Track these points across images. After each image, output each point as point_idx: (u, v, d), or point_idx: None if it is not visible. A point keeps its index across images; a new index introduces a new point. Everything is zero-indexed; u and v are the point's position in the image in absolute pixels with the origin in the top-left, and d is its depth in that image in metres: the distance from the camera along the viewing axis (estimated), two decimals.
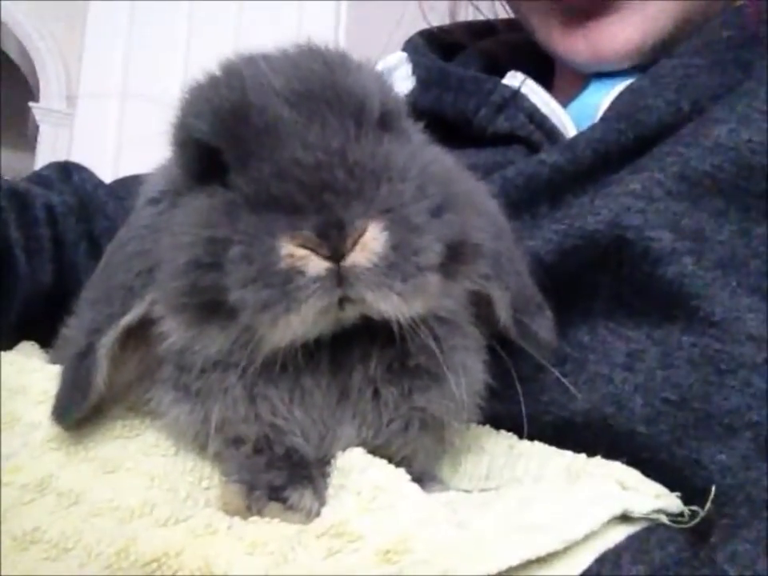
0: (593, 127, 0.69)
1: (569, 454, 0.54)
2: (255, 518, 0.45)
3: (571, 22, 0.79)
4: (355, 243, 0.42)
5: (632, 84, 0.71)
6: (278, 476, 0.47)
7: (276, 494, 0.47)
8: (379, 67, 0.99)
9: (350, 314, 0.45)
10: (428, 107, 0.88)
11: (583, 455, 0.53)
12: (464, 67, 0.93)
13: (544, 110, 0.78)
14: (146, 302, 0.48)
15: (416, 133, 0.56)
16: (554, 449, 0.54)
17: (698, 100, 0.66)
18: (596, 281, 0.61)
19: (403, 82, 0.96)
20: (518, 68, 0.90)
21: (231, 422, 0.49)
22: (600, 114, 0.72)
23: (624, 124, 0.67)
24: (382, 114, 0.49)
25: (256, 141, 0.45)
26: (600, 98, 0.75)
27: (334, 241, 0.41)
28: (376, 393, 0.48)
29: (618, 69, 0.79)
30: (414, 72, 0.96)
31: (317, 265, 0.42)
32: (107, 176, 0.92)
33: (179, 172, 0.50)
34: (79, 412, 0.49)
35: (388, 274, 0.42)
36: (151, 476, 0.49)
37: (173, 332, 0.47)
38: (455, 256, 0.47)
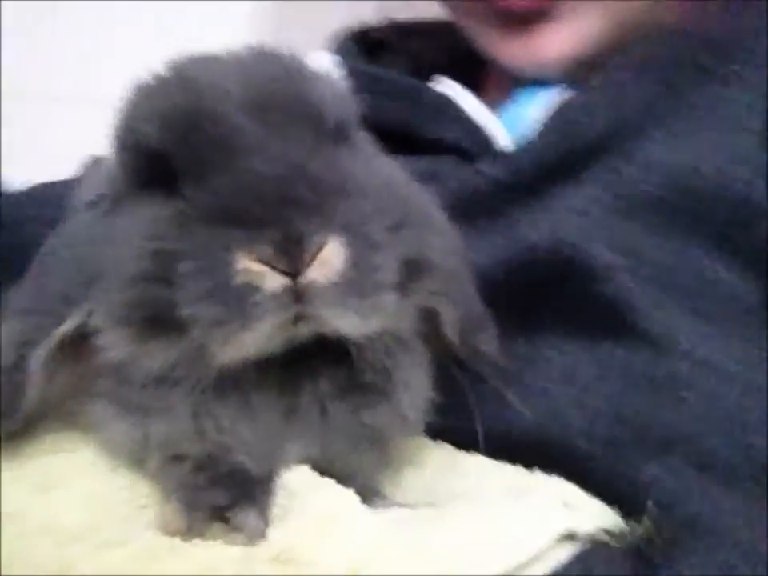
0: (533, 140, 0.70)
1: (509, 468, 0.54)
2: (197, 541, 0.43)
3: (510, 27, 0.80)
4: (313, 259, 0.41)
5: (570, 98, 0.72)
6: (221, 495, 0.46)
7: (219, 514, 0.45)
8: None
9: (304, 330, 0.43)
10: (369, 116, 0.88)
11: (523, 470, 0.53)
12: (392, 70, 0.93)
13: (476, 118, 0.78)
14: (83, 312, 0.46)
15: (366, 143, 0.56)
16: (494, 463, 0.55)
17: (634, 117, 0.68)
18: (535, 294, 0.62)
19: None
20: (445, 72, 0.91)
21: (173, 440, 0.47)
22: (532, 124, 0.72)
23: (563, 138, 0.68)
24: (336, 124, 0.49)
25: (210, 149, 0.43)
26: (531, 108, 0.76)
27: (292, 256, 0.40)
28: (324, 410, 0.47)
29: (553, 76, 0.79)
30: (346, 77, 0.95)
31: (273, 280, 0.40)
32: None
33: (121, 176, 0.48)
34: (10, 427, 0.47)
35: (346, 292, 0.41)
36: (88, 495, 0.47)
37: (114, 345, 0.45)
38: (409, 273, 0.46)
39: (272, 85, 0.46)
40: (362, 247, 0.42)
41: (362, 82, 0.91)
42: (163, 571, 0.41)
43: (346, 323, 0.42)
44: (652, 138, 0.65)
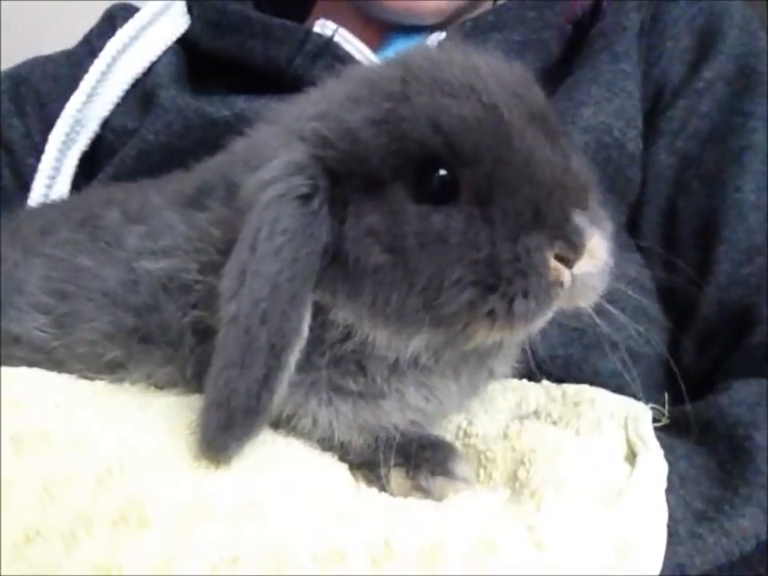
0: None
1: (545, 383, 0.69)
2: (451, 495, 0.51)
3: None
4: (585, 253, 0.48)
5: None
6: (432, 453, 0.54)
7: (440, 469, 0.53)
8: (151, 9, 0.93)
9: None
10: (223, 52, 0.89)
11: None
12: (248, 8, 0.93)
13: (359, 57, 0.85)
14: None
15: None
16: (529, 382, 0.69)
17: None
18: None
19: (176, 20, 0.93)
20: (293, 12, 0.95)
21: (385, 419, 0.53)
22: None
23: None
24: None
25: (499, 160, 0.47)
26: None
27: (577, 253, 0.48)
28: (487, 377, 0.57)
29: (425, 24, 0.89)
30: (191, 11, 0.93)
31: (568, 275, 0.48)
32: None
33: (365, 179, 0.49)
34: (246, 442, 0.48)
35: (602, 279, 0.50)
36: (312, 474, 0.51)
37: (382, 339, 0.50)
38: None
39: (529, 94, 0.50)
40: (608, 236, 0.50)
41: (223, 18, 0.91)
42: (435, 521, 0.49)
43: (588, 303, 0.51)
44: (579, 102, 0.80)
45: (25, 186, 0.90)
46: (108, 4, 1.05)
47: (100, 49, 0.94)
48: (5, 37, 1.42)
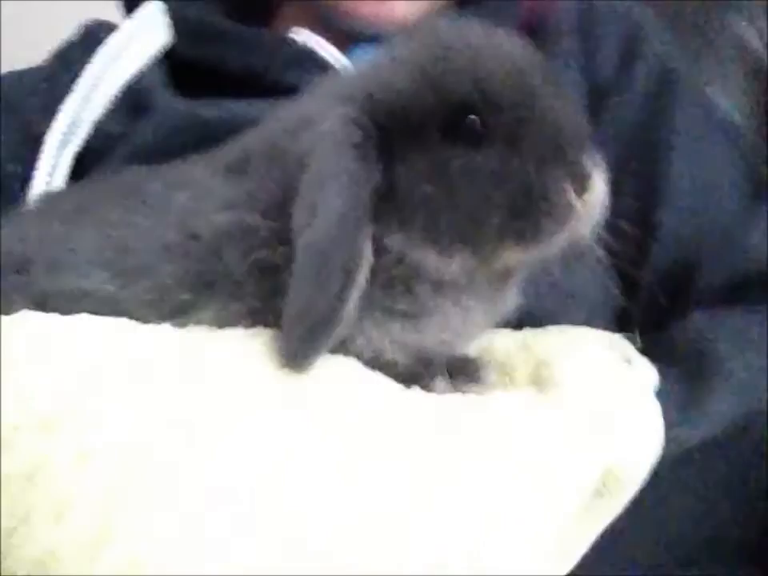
0: None
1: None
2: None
3: None
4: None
5: None
6: (465, 367, 0.63)
7: (474, 377, 0.63)
8: (132, 24, 1.00)
9: None
10: (203, 61, 0.97)
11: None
12: (222, 18, 1.02)
13: (332, 63, 0.94)
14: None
15: None
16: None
17: None
18: None
19: (158, 30, 1.01)
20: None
21: (427, 338, 0.62)
22: None
23: None
24: None
25: (520, 108, 0.58)
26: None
27: (586, 186, 0.58)
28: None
29: (387, 33, 0.91)
30: (170, 24, 1.00)
31: (580, 203, 0.58)
32: None
33: (406, 124, 0.58)
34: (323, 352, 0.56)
35: (600, 210, 0.61)
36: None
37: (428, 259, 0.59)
38: None
39: (534, 55, 0.61)
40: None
41: (197, 29, 0.99)
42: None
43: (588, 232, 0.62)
44: None
45: (7, 193, 0.94)
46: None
47: (77, 62, 1.00)
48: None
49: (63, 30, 1.06)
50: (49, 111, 0.96)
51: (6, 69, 1.09)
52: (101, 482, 0.49)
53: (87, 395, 0.53)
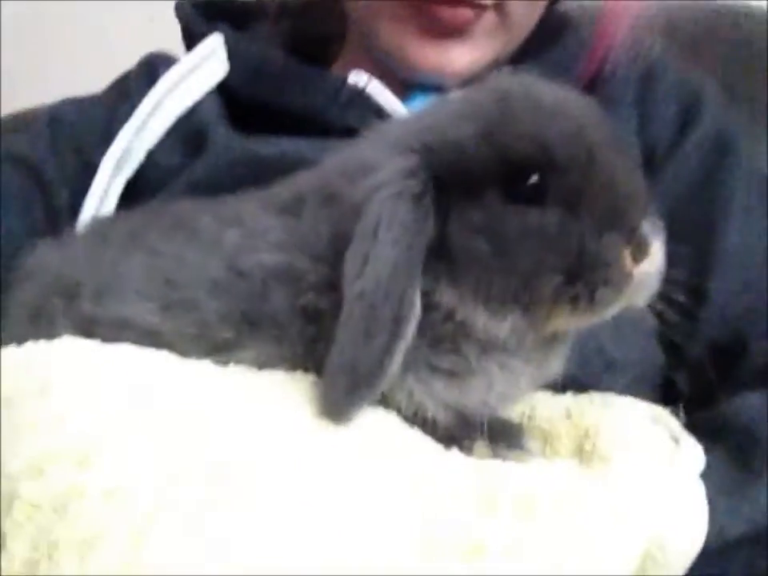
0: None
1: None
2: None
3: (428, 34, 0.93)
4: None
5: None
6: (506, 432, 0.62)
7: (515, 443, 0.61)
8: (192, 57, 1.01)
9: None
10: (261, 97, 0.98)
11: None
12: (285, 56, 1.03)
13: (389, 109, 0.94)
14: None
15: None
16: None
17: None
18: None
19: (216, 65, 1.02)
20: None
21: (474, 398, 0.60)
22: None
23: None
24: None
25: (586, 171, 0.57)
26: None
27: (644, 254, 0.57)
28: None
29: (447, 85, 0.93)
30: (231, 58, 1.02)
31: (636, 272, 0.57)
32: None
33: (468, 182, 0.57)
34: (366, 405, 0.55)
35: (657, 280, 0.59)
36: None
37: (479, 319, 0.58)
38: None
39: (600, 116, 0.61)
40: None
41: (261, 66, 1.00)
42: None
43: (642, 302, 0.60)
44: None
45: (56, 220, 0.96)
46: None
47: (137, 93, 1.01)
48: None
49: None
50: (106, 140, 0.97)
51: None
52: (129, 519, 0.48)
53: (122, 429, 0.52)
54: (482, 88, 0.63)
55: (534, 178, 0.57)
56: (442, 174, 0.59)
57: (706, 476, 0.63)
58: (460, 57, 0.94)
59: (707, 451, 0.67)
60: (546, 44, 0.99)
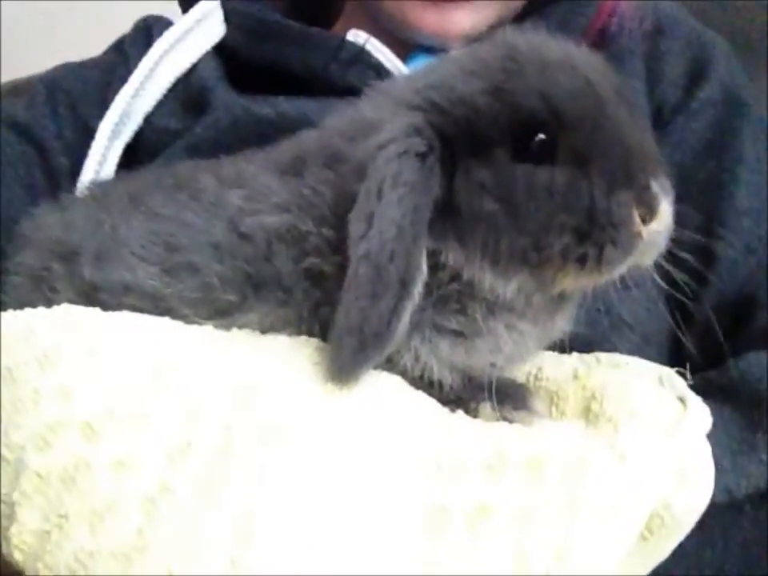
0: None
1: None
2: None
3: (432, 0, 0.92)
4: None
5: None
6: (513, 393, 0.61)
7: (521, 404, 0.60)
8: (188, 18, 0.99)
9: None
10: (261, 58, 0.96)
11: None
12: (283, 18, 1.01)
13: (389, 66, 0.93)
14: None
15: None
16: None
17: None
18: None
19: (213, 27, 1.00)
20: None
21: (476, 358, 0.59)
22: None
23: None
24: None
25: (595, 127, 0.55)
26: None
27: (653, 214, 0.56)
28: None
29: (447, 47, 0.92)
30: (228, 20, 1.00)
31: (645, 231, 0.56)
32: None
33: (476, 139, 0.56)
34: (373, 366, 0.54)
35: (664, 239, 0.58)
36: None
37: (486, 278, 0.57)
38: None
39: (610, 75, 0.59)
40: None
41: (261, 27, 0.98)
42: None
43: (651, 260, 0.59)
44: None
45: (56, 185, 0.95)
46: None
47: (134, 56, 1.00)
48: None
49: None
50: (103, 104, 0.96)
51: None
52: (140, 490, 0.48)
53: (130, 399, 0.52)
54: (487, 45, 0.62)
55: (541, 137, 0.56)
56: (448, 131, 0.57)
57: (712, 436, 0.63)
58: (461, 19, 0.93)
59: (714, 411, 0.67)
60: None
